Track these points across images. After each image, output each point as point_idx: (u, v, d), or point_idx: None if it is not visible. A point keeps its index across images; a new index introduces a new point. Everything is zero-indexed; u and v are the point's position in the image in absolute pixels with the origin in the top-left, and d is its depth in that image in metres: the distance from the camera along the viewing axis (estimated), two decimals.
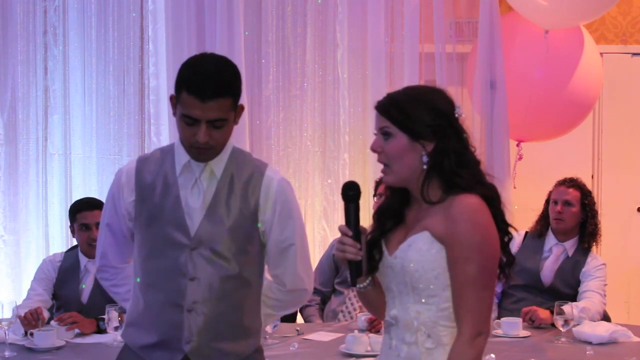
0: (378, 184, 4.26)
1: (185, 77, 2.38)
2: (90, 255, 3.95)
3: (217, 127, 2.38)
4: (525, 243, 4.37)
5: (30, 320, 3.66)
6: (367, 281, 2.21)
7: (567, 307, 3.69)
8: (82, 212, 4.00)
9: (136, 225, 2.52)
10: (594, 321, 3.92)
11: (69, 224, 4.14)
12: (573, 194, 4.28)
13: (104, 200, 2.68)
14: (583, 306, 3.98)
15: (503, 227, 2.16)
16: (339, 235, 2.19)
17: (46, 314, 3.92)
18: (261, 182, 2.49)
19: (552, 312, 3.80)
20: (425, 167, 2.12)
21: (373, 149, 2.17)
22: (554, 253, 4.32)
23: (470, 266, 2.05)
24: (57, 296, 4.02)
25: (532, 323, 3.95)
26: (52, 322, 3.77)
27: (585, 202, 4.29)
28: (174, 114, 2.45)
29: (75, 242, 4.17)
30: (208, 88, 2.33)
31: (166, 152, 2.54)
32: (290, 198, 2.55)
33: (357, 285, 2.21)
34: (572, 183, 4.33)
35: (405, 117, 2.12)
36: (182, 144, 2.47)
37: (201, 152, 2.43)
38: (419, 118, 2.11)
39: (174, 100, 2.43)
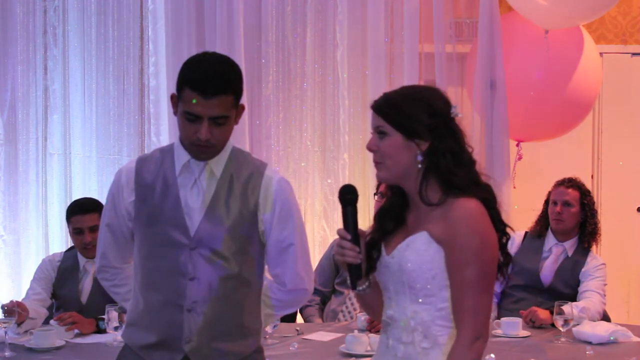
0: (380, 182, 4.25)
1: (189, 74, 2.39)
2: (87, 256, 3.95)
3: (219, 124, 2.39)
4: (525, 243, 4.37)
5: (9, 308, 3.59)
6: (366, 284, 2.20)
7: (567, 307, 3.69)
8: (76, 215, 3.95)
9: (136, 226, 2.52)
10: (594, 321, 3.92)
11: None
12: (572, 194, 4.29)
13: (102, 201, 2.68)
14: (583, 306, 3.97)
15: (501, 227, 2.16)
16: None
17: (45, 313, 3.92)
18: (261, 182, 2.50)
19: (551, 313, 3.80)
20: (420, 166, 2.12)
21: (369, 148, 2.17)
22: (554, 253, 4.32)
23: (469, 270, 2.05)
24: (57, 296, 4.02)
25: (533, 324, 3.95)
26: (52, 322, 3.77)
27: (585, 202, 4.29)
28: (175, 112, 2.45)
29: None
30: (211, 85, 2.35)
31: (166, 152, 2.54)
32: (290, 197, 2.55)
33: (357, 288, 2.20)
34: (571, 183, 4.33)
35: (399, 116, 2.11)
36: (183, 142, 2.47)
37: (202, 150, 2.43)
38: (413, 117, 2.11)
39: (175, 99, 2.43)
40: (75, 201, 4.17)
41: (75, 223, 3.94)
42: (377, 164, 2.16)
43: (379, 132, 2.15)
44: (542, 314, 3.94)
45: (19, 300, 3.82)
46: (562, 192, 4.31)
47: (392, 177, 2.17)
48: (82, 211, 3.94)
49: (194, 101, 2.35)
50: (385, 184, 2.30)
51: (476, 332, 2.07)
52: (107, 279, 2.69)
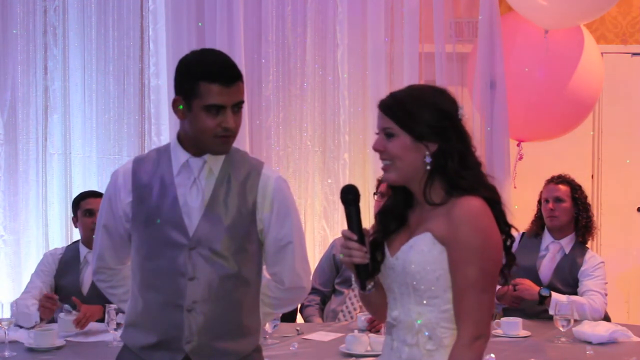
0: (380, 182, 4.25)
1: (202, 69, 2.38)
2: (91, 245, 3.97)
3: (236, 111, 2.43)
4: (522, 243, 4.37)
5: (44, 303, 3.73)
6: (372, 284, 2.20)
7: (556, 295, 3.96)
8: (87, 199, 4.10)
9: (134, 226, 2.52)
10: (594, 319, 3.92)
11: (69, 222, 4.18)
12: (563, 190, 4.30)
13: None
14: (573, 299, 4.00)
15: (505, 229, 2.15)
16: (339, 235, 2.18)
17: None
18: (258, 181, 2.50)
19: (540, 301, 4.01)
20: (428, 168, 2.11)
21: (376, 149, 2.16)
22: (551, 251, 4.32)
23: (470, 269, 2.04)
24: (58, 287, 4.05)
25: (514, 291, 4.09)
26: (61, 315, 3.77)
27: (576, 196, 4.30)
28: (181, 117, 2.43)
29: (75, 238, 4.18)
30: (229, 73, 2.40)
31: (162, 152, 2.54)
32: (288, 196, 2.55)
33: (366, 288, 2.18)
34: (560, 179, 4.35)
35: (409, 118, 2.10)
36: (202, 138, 2.42)
37: (226, 141, 2.44)
38: (422, 119, 2.10)
39: (181, 101, 2.42)
40: (84, 191, 4.30)
41: (86, 205, 4.06)
42: (386, 165, 2.15)
43: (386, 133, 2.13)
44: (528, 290, 4.08)
45: (27, 298, 3.87)
46: (552, 188, 4.32)
47: (401, 179, 2.15)
48: (93, 195, 4.11)
49: (215, 92, 2.36)
50: (387, 184, 2.29)
51: (477, 332, 2.06)
52: (104, 280, 2.69)
